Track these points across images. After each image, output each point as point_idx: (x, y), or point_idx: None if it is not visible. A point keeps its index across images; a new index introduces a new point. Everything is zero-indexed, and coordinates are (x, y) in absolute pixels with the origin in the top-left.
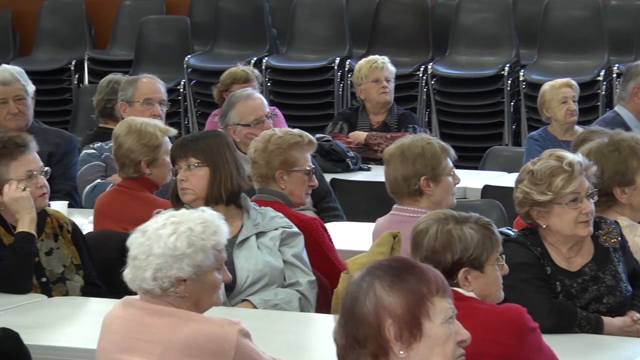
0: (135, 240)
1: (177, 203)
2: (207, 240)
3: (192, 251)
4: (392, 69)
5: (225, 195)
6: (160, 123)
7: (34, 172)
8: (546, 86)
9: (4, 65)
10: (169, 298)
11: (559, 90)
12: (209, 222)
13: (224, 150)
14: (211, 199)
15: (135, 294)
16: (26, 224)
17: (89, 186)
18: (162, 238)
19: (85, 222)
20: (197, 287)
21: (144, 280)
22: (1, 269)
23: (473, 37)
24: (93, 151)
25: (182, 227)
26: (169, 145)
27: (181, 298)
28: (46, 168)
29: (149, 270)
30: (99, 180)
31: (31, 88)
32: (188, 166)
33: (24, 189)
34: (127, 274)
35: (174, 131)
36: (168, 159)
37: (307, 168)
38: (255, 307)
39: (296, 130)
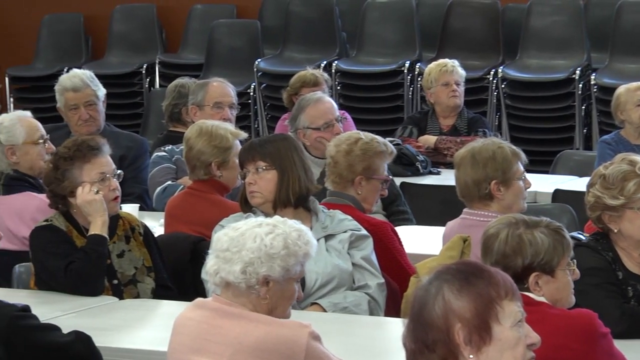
0: (226, 235)
1: (246, 206)
2: (300, 248)
3: (285, 253)
4: (462, 72)
5: (294, 199)
6: (231, 126)
7: (107, 175)
8: (621, 89)
9: (75, 70)
10: (250, 297)
11: (634, 92)
12: (303, 232)
13: (292, 154)
14: (279, 202)
15: (205, 297)
16: (98, 226)
17: (159, 188)
18: (259, 235)
19: (156, 224)
20: (278, 292)
21: (232, 272)
22: (73, 271)
23: (544, 40)
24: (164, 154)
25: (279, 229)
26: (239, 148)
27: (260, 299)
28: (119, 171)
29: (239, 264)
30: (169, 182)
31: (102, 92)
32: (256, 169)
33: (97, 192)
34: (212, 266)
35: (244, 134)
36: (237, 161)
37: (385, 178)
38: (324, 310)
39: (380, 139)
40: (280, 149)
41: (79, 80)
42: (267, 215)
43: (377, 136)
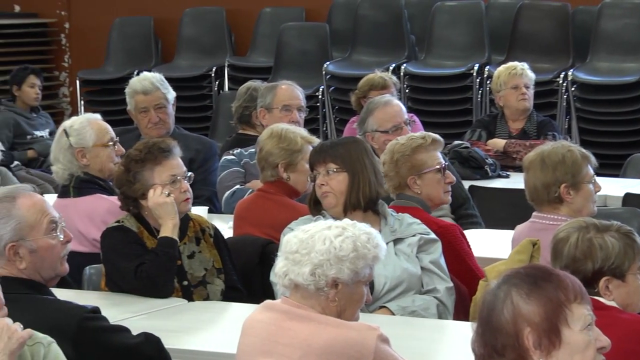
0: (295, 237)
1: (315, 210)
2: (370, 251)
3: (354, 256)
4: (531, 75)
5: (364, 202)
6: (304, 131)
7: (178, 177)
8: None
9: (145, 73)
10: (319, 299)
11: None
12: (372, 235)
13: (362, 157)
14: (349, 205)
15: (273, 299)
16: (169, 229)
17: (228, 192)
18: (328, 237)
19: (225, 227)
20: (347, 295)
21: (301, 274)
22: (144, 272)
23: (614, 43)
24: (232, 157)
25: (348, 232)
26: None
27: (329, 302)
28: (189, 173)
29: (308, 266)
30: (238, 186)
31: (172, 95)
32: (327, 172)
33: (168, 194)
34: (281, 268)
35: (316, 140)
36: (308, 166)
37: (437, 166)
38: (392, 313)
39: (418, 133)
40: (351, 151)
41: (149, 83)
42: (336, 219)
43: (415, 133)
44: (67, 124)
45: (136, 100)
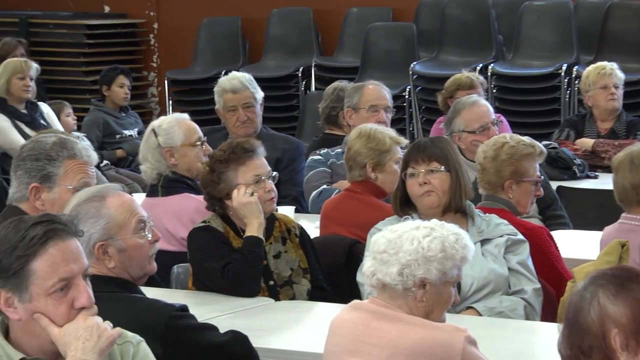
0: (383, 237)
1: (402, 211)
2: (458, 252)
3: (443, 256)
4: (620, 75)
5: (463, 202)
6: (392, 131)
7: (262, 177)
8: None
9: (234, 73)
10: (406, 300)
11: None
12: (461, 235)
13: (458, 157)
14: (453, 205)
15: (360, 299)
16: (254, 228)
17: (315, 192)
18: (416, 237)
19: (311, 227)
20: (435, 296)
21: (389, 274)
22: (230, 272)
23: None
24: (319, 157)
25: (436, 232)
26: (399, 154)
27: (417, 302)
28: (274, 173)
29: (396, 266)
30: (324, 186)
31: (260, 95)
32: (430, 170)
33: (252, 194)
34: (368, 268)
35: (405, 141)
36: (396, 167)
37: (537, 179)
38: (479, 314)
39: (527, 139)
40: (450, 151)
41: (238, 82)
42: (425, 219)
43: (524, 137)
44: (155, 123)
45: (225, 98)
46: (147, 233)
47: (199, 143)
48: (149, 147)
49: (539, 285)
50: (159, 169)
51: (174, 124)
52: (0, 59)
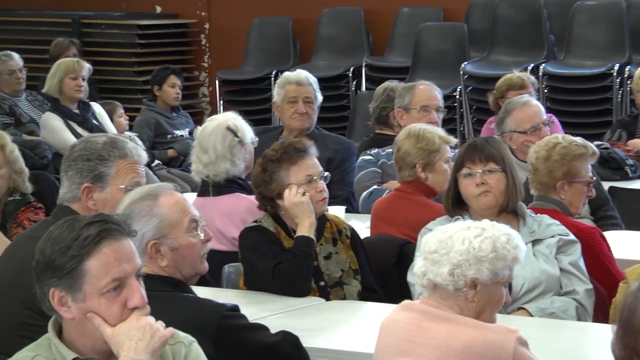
0: (434, 237)
1: (453, 211)
2: (509, 252)
3: (494, 257)
4: None
5: (519, 202)
6: (441, 131)
7: (314, 177)
8: None
9: (300, 70)
10: (457, 300)
11: None
12: (512, 236)
13: (511, 157)
14: (509, 205)
15: (410, 299)
16: (305, 228)
17: (365, 192)
18: (467, 238)
19: (362, 227)
20: (486, 296)
21: (439, 274)
22: (281, 272)
23: None
24: (370, 157)
25: (487, 233)
26: (449, 154)
27: (468, 302)
28: (326, 173)
29: (447, 266)
30: (375, 187)
31: (320, 97)
32: (487, 171)
33: (304, 194)
34: (419, 268)
35: (454, 140)
36: (446, 167)
37: (589, 179)
38: (531, 315)
39: (580, 140)
40: (504, 151)
41: (304, 77)
42: (476, 220)
43: (576, 138)
44: (229, 122)
45: (287, 89)
46: (199, 232)
47: (251, 143)
48: (229, 145)
49: (590, 286)
50: (239, 166)
51: (243, 123)
52: (53, 59)
